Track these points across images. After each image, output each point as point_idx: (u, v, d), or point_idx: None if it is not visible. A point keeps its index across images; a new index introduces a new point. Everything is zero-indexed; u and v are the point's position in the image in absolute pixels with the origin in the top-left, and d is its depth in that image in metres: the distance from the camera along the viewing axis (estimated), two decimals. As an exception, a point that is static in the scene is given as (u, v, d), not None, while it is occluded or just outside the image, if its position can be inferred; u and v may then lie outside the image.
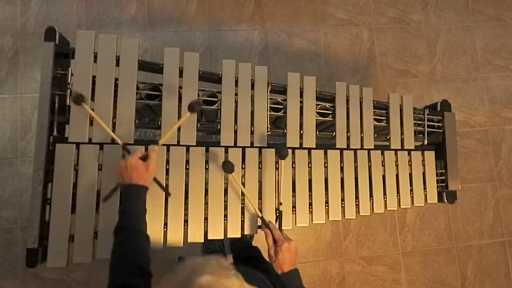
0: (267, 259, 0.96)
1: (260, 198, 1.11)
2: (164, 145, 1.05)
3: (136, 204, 0.87)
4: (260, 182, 1.12)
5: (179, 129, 1.07)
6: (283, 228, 1.11)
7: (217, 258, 0.65)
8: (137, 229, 0.85)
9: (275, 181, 1.12)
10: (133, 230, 0.84)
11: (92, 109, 1.02)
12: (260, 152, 1.13)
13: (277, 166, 1.13)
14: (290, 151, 1.15)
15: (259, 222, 1.08)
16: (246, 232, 1.09)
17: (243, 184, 1.10)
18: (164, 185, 1.03)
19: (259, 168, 1.12)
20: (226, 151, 1.10)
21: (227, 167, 1.01)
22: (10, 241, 1.79)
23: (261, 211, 1.09)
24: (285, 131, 1.16)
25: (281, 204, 1.08)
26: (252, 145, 1.12)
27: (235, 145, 1.11)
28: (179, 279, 0.60)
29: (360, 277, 2.03)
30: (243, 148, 1.11)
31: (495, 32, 2.38)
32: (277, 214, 1.09)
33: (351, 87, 1.26)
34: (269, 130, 1.14)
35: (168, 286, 0.61)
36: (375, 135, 1.26)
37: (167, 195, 1.03)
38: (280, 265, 0.90)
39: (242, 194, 1.09)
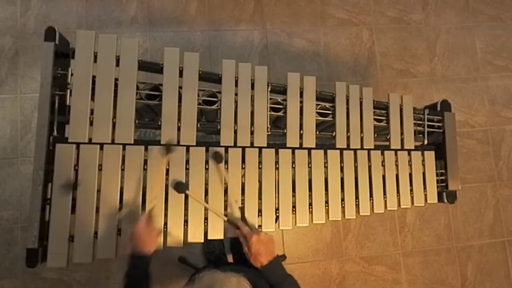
0: None
1: (260, 198, 1.11)
2: (164, 145, 1.05)
3: (139, 276, 0.87)
4: (260, 182, 1.12)
5: (179, 129, 1.07)
6: (282, 228, 1.12)
7: (238, 278, 0.63)
8: None
9: (274, 181, 1.12)
10: None
11: (92, 109, 1.02)
12: (260, 152, 1.13)
13: (277, 166, 1.13)
14: (290, 151, 1.15)
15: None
16: (246, 232, 1.09)
17: (243, 184, 1.10)
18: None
19: (259, 168, 1.12)
20: (226, 151, 1.10)
21: (180, 188, 1.02)
22: (10, 241, 1.79)
23: (242, 209, 1.08)
24: (285, 131, 1.16)
25: (240, 201, 1.08)
26: (252, 145, 1.12)
27: (235, 145, 1.11)
28: None
29: (360, 277, 2.03)
30: (243, 148, 1.11)
31: (495, 32, 2.38)
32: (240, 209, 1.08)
33: (351, 87, 1.26)
34: (269, 130, 1.14)
35: None
36: (375, 135, 1.26)
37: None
38: (257, 258, 0.89)
39: (243, 194, 1.09)
